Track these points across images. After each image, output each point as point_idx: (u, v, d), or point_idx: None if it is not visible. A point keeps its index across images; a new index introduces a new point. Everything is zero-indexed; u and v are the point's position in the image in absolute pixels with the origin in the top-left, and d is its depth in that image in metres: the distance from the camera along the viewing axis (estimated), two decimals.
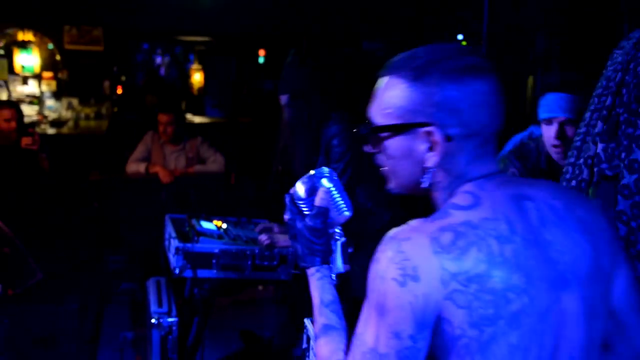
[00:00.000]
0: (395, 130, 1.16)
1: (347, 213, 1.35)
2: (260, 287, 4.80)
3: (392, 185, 1.24)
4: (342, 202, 1.34)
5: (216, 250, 3.06)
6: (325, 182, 1.35)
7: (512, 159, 2.61)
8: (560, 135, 2.35)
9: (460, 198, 1.11)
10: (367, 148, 1.25)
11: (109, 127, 6.84)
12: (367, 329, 1.10)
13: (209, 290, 3.19)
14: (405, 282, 1.04)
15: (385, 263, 1.06)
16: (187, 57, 10.02)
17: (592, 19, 4.35)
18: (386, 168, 1.23)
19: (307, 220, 1.33)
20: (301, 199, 1.35)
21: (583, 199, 1.24)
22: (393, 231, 1.10)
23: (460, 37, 5.56)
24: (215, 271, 3.07)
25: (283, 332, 3.74)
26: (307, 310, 3.06)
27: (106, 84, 7.70)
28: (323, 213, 1.33)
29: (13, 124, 4.18)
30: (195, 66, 9.65)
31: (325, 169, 1.37)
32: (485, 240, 1.05)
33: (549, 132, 2.38)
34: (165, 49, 10.17)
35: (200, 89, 9.46)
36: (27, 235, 3.85)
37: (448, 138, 1.12)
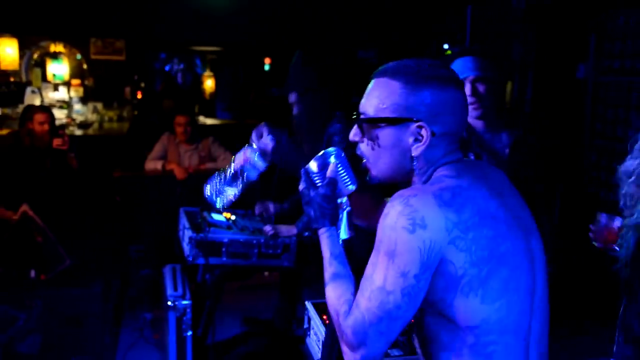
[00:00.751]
0: (390, 122, 1.24)
1: (351, 187, 1.39)
2: (266, 274, 4.79)
3: (373, 173, 1.31)
4: (347, 177, 1.39)
5: (225, 240, 3.05)
6: (332, 158, 1.40)
7: None
8: (473, 92, 2.32)
9: (446, 171, 1.23)
10: (354, 137, 1.32)
11: (130, 128, 6.81)
12: (376, 271, 1.16)
13: (219, 275, 3.18)
14: (414, 229, 1.12)
15: (396, 215, 1.14)
16: (200, 65, 9.98)
17: (561, 30, 4.33)
18: (370, 157, 1.29)
19: (319, 189, 1.38)
20: (314, 173, 1.40)
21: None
22: (399, 191, 1.18)
23: (445, 45, 5.52)
24: (224, 258, 3.07)
25: (281, 314, 3.73)
26: (310, 293, 3.04)
27: (127, 89, 7.67)
28: (332, 183, 1.38)
29: (46, 127, 4.16)
30: (207, 73, 9.61)
31: (332, 149, 1.40)
32: (475, 199, 1.18)
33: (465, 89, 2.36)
34: (180, 58, 10.13)
35: (211, 94, 9.42)
36: (57, 225, 3.84)
37: (432, 133, 1.23)
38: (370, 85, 1.30)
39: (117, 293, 4.14)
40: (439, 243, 1.13)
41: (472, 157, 2.45)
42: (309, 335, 2.38)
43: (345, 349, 1.21)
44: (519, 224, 1.23)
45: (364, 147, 1.30)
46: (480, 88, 2.33)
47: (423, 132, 1.22)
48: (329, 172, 1.39)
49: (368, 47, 6.68)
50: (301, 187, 1.41)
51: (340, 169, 1.38)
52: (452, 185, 1.18)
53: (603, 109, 4.24)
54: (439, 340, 1.21)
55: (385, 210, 1.17)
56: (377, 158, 1.28)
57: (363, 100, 1.30)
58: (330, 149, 1.40)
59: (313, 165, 1.40)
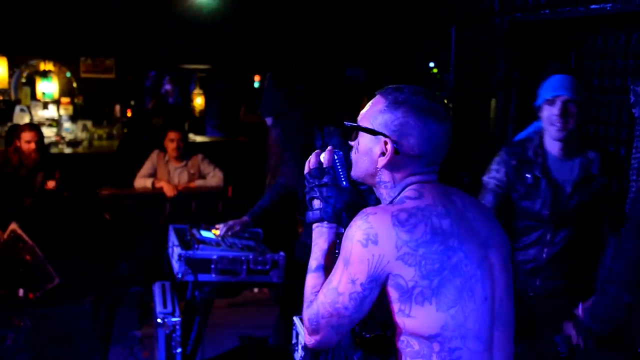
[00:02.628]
0: (366, 131, 1.41)
1: (344, 183, 1.52)
2: (255, 290, 4.81)
3: (353, 172, 1.49)
4: (342, 174, 1.53)
5: (214, 257, 3.08)
6: (335, 156, 1.54)
7: (503, 153, 2.57)
8: (563, 112, 2.32)
9: (409, 192, 1.37)
10: (350, 140, 1.50)
11: (119, 146, 6.83)
12: (335, 274, 1.34)
13: (209, 292, 3.21)
14: (367, 244, 1.28)
15: (355, 228, 1.30)
16: (190, 83, 10.04)
17: (543, 49, 4.43)
18: (353, 158, 1.48)
19: (324, 178, 1.50)
20: (315, 167, 1.53)
21: (480, 202, 1.54)
22: (366, 208, 1.34)
23: (432, 64, 5.62)
24: (214, 275, 3.09)
25: (280, 330, 3.75)
26: (297, 309, 3.08)
27: (117, 107, 7.72)
28: (330, 170, 1.51)
29: (32, 146, 4.20)
30: (197, 91, 9.65)
31: (331, 148, 1.55)
32: (430, 219, 1.31)
33: (551, 111, 2.35)
34: (170, 76, 10.18)
35: (201, 111, 9.47)
36: (46, 244, 3.86)
37: (396, 151, 1.37)
38: (372, 99, 1.47)
39: (106, 311, 4.14)
40: (387, 258, 1.27)
41: (529, 178, 2.47)
42: (297, 350, 2.41)
43: (304, 332, 1.39)
44: (475, 237, 1.35)
45: (353, 150, 1.49)
46: (571, 109, 2.33)
47: (388, 147, 1.37)
48: (325, 161, 1.52)
49: (356, 65, 6.78)
50: (309, 182, 1.53)
51: (338, 165, 1.53)
52: (410, 206, 1.32)
53: (584, 125, 4.33)
54: (410, 349, 1.33)
55: (351, 223, 1.33)
56: (356, 160, 1.47)
57: (362, 111, 1.47)
58: (331, 148, 1.55)
59: (322, 157, 1.54)
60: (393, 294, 1.29)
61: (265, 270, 3.16)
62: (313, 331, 1.36)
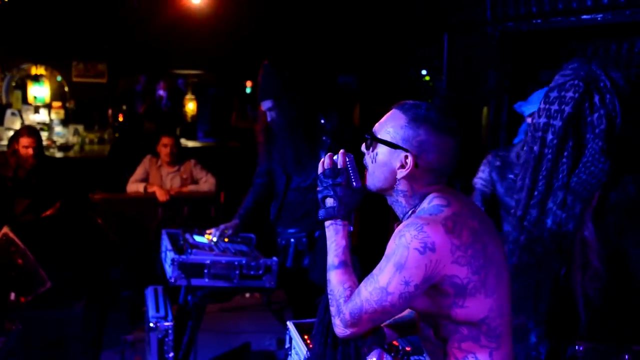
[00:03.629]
0: (388, 145, 1.53)
1: (355, 184, 1.61)
2: (247, 295, 4.82)
3: (368, 182, 1.60)
4: (352, 175, 1.61)
5: (207, 261, 3.09)
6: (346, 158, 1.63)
7: (490, 156, 2.77)
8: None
9: (438, 201, 1.50)
10: (363, 149, 1.60)
11: (111, 151, 6.83)
12: (382, 274, 1.45)
13: (202, 297, 3.22)
14: (425, 251, 1.41)
15: (410, 237, 1.42)
16: (182, 88, 10.04)
17: (534, 57, 4.49)
18: (369, 169, 1.58)
19: (338, 178, 1.61)
20: (329, 167, 1.61)
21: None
22: (413, 218, 1.47)
23: (424, 72, 5.67)
24: (206, 280, 3.10)
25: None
26: (291, 314, 3.09)
27: (109, 112, 7.71)
28: (344, 171, 1.62)
29: (30, 151, 4.23)
30: (189, 96, 9.67)
31: (344, 151, 1.64)
32: (466, 223, 1.47)
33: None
34: (163, 81, 10.19)
35: (193, 117, 9.48)
36: (38, 248, 3.85)
37: (416, 165, 1.50)
38: (388, 113, 1.58)
39: (98, 315, 4.14)
40: (442, 262, 1.42)
41: (510, 179, 2.65)
42: (290, 354, 2.43)
43: (338, 323, 1.51)
44: (492, 230, 1.55)
45: (368, 160, 1.59)
46: None
47: (408, 161, 1.50)
48: (339, 163, 1.62)
49: (348, 72, 6.82)
50: (318, 188, 1.63)
51: (349, 166, 1.61)
52: (450, 214, 1.47)
53: None
54: (459, 335, 1.50)
55: (401, 232, 1.44)
56: (373, 171, 1.57)
57: (378, 123, 1.58)
58: (348, 153, 1.64)
59: (327, 161, 1.63)
60: (450, 290, 1.45)
61: (258, 276, 3.17)
62: (353, 324, 1.49)
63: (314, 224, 3.31)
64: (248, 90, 9.46)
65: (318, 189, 1.64)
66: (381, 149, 1.54)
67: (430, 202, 1.51)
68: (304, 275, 3.34)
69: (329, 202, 1.61)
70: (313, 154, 3.23)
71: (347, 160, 1.61)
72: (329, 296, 1.56)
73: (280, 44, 6.54)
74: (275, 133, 3.26)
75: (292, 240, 3.33)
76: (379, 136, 1.55)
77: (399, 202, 1.57)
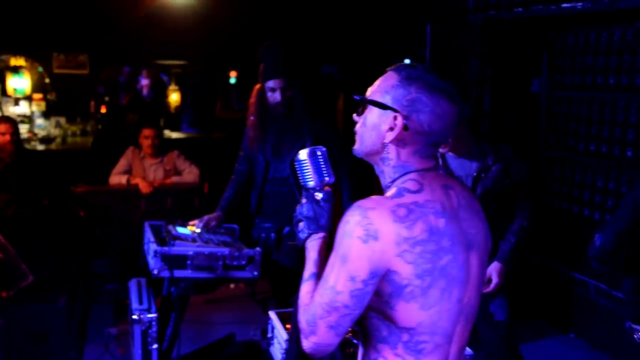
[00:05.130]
0: (376, 105, 1.39)
1: (328, 178, 1.54)
2: (231, 286, 4.83)
3: (357, 147, 1.47)
4: (326, 169, 1.54)
5: (190, 253, 3.09)
6: (318, 152, 1.54)
7: None
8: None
9: (409, 184, 1.34)
10: (355, 115, 1.47)
11: (93, 143, 6.79)
12: (331, 272, 1.30)
13: (185, 288, 3.22)
14: (367, 240, 1.26)
15: (354, 224, 1.27)
16: (165, 79, 9.99)
17: (516, 46, 4.52)
18: (358, 133, 1.45)
19: (311, 190, 1.52)
20: (301, 161, 1.53)
21: (474, 197, 1.51)
22: (360, 201, 1.31)
23: (407, 61, 5.68)
24: (190, 271, 3.10)
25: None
26: (273, 304, 3.11)
27: (91, 103, 7.65)
28: (305, 189, 1.53)
29: (7, 137, 4.20)
30: (172, 87, 9.62)
31: (320, 147, 1.56)
32: (427, 216, 1.30)
33: None
34: (145, 71, 10.12)
35: (176, 108, 9.44)
36: (19, 241, 3.83)
37: (405, 127, 1.36)
38: (382, 75, 1.45)
39: (81, 309, 4.13)
40: (387, 255, 1.26)
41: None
42: (273, 344, 2.46)
43: (301, 337, 1.35)
44: (463, 239, 1.36)
45: (358, 124, 1.46)
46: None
47: (397, 121, 1.35)
48: (302, 155, 1.53)
49: (332, 62, 6.82)
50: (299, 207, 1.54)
51: (321, 161, 1.53)
52: (409, 201, 1.30)
53: (556, 122, 4.43)
54: (378, 333, 1.35)
55: (346, 218, 1.29)
56: (361, 135, 1.44)
57: (371, 86, 1.45)
58: (319, 146, 1.56)
59: (303, 154, 1.54)
60: (386, 288, 1.29)
61: (242, 266, 3.17)
62: (310, 333, 1.32)
63: (284, 221, 3.33)
64: (232, 81, 9.43)
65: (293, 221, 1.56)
66: (371, 112, 1.40)
67: (403, 182, 1.36)
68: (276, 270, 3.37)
69: (300, 226, 1.52)
70: (292, 145, 3.24)
71: (320, 154, 1.53)
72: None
73: (265, 34, 6.52)
74: (272, 116, 3.25)
75: (262, 235, 3.37)
76: (367, 96, 1.42)
77: (383, 173, 1.42)
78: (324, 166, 1.54)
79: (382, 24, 5.89)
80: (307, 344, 1.34)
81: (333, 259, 1.31)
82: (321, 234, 1.48)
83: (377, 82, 1.43)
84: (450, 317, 1.35)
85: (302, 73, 3.22)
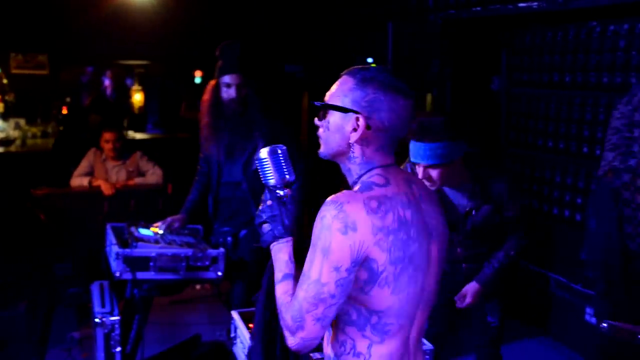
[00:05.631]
0: (338, 109, 1.48)
1: (288, 176, 1.58)
2: (197, 287, 4.81)
3: (322, 150, 1.55)
4: (286, 168, 1.58)
5: (153, 254, 3.07)
6: (279, 150, 1.57)
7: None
8: (425, 176, 2.50)
9: (375, 179, 1.44)
10: (316, 120, 1.55)
11: (55, 144, 6.66)
12: (312, 267, 1.38)
13: (148, 290, 3.20)
14: (347, 231, 1.35)
15: (331, 218, 1.36)
16: (128, 80, 9.86)
17: (476, 45, 4.60)
18: (322, 137, 1.53)
19: (274, 192, 1.57)
20: (262, 159, 1.57)
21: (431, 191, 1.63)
22: (333, 196, 1.39)
23: (370, 59, 5.73)
24: (153, 273, 3.08)
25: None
26: (235, 304, 3.11)
27: (52, 104, 7.51)
28: (269, 189, 1.58)
29: None
30: (135, 87, 9.50)
31: (280, 145, 1.60)
32: (396, 207, 1.41)
33: (418, 172, 2.53)
34: (108, 71, 9.97)
35: (140, 108, 9.32)
36: None
37: (368, 127, 1.45)
38: (338, 80, 1.53)
39: (43, 313, 4.07)
40: (366, 243, 1.36)
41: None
42: (236, 343, 2.47)
43: (287, 334, 1.42)
44: (425, 229, 1.47)
45: (321, 129, 1.54)
46: (432, 173, 2.49)
47: (360, 122, 1.45)
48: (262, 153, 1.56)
49: (295, 61, 6.83)
50: (261, 211, 1.58)
51: (282, 159, 1.57)
52: (379, 194, 1.40)
53: (516, 119, 4.52)
54: (347, 317, 1.45)
55: (322, 213, 1.38)
56: (327, 138, 1.52)
57: (328, 91, 1.54)
58: (279, 145, 1.59)
59: (264, 153, 1.57)
60: (362, 275, 1.38)
61: (205, 267, 3.17)
62: (298, 328, 1.38)
63: (240, 225, 3.34)
64: (197, 80, 9.35)
65: (255, 220, 1.61)
66: (333, 116, 1.49)
67: (370, 177, 1.46)
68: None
69: (265, 227, 1.57)
70: (244, 147, 3.24)
71: (280, 152, 1.57)
72: (278, 312, 1.47)
73: (228, 33, 6.49)
74: (226, 115, 3.23)
75: (220, 240, 3.37)
76: (327, 102, 1.51)
77: (350, 171, 1.51)
78: (284, 164, 1.57)
79: (344, 23, 5.93)
80: (293, 340, 1.40)
81: (312, 255, 1.39)
82: (288, 238, 1.54)
83: (334, 87, 1.52)
84: (414, 302, 1.46)
85: (259, 72, 3.22)
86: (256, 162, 1.60)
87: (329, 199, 1.39)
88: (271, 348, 1.66)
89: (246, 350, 2.22)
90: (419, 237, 1.44)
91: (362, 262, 1.37)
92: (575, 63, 3.95)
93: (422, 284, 1.48)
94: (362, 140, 1.46)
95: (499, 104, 4.65)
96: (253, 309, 2.51)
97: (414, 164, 2.54)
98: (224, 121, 3.24)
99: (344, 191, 1.42)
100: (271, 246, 1.55)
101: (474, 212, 2.66)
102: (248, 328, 2.35)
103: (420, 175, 2.51)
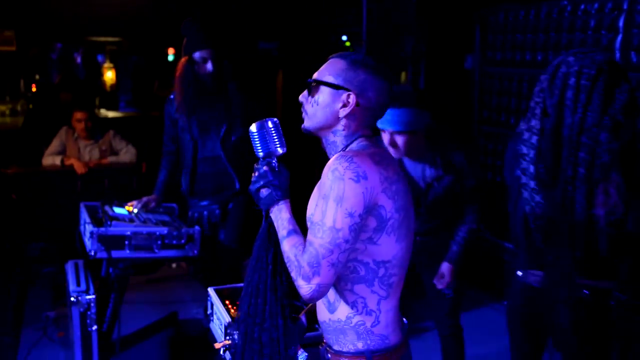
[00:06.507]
0: (330, 86, 1.60)
1: (280, 149, 1.64)
2: (173, 265, 4.82)
3: (307, 124, 1.65)
4: (278, 140, 1.64)
5: (128, 233, 3.07)
6: (270, 123, 1.63)
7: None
8: (390, 142, 2.62)
9: (364, 143, 1.59)
10: (302, 98, 1.66)
11: (24, 123, 6.54)
12: (325, 216, 1.48)
13: (123, 269, 3.20)
14: (359, 180, 1.47)
15: (343, 169, 1.48)
16: (98, 57, 9.68)
17: (449, 23, 4.62)
18: (309, 112, 1.64)
19: (266, 164, 1.63)
20: (253, 133, 1.63)
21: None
22: (340, 153, 1.53)
23: (344, 37, 5.73)
24: (128, 251, 3.08)
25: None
26: (213, 281, 3.13)
27: (21, 82, 7.37)
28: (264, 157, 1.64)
29: None
30: (107, 64, 9.35)
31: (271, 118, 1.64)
32: (391, 162, 1.58)
33: (384, 138, 2.65)
34: (78, 48, 9.78)
35: (112, 86, 9.19)
36: None
37: (357, 104, 1.59)
38: (326, 62, 1.66)
39: (17, 293, 4.04)
40: (376, 190, 1.49)
41: None
42: (212, 320, 2.49)
43: (301, 282, 1.49)
44: (408, 185, 1.64)
45: (307, 106, 1.64)
46: (398, 140, 2.59)
47: (350, 99, 1.58)
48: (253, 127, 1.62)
49: (269, 39, 6.78)
50: (254, 180, 1.64)
51: (273, 132, 1.63)
52: (376, 151, 1.57)
53: (489, 97, 4.57)
54: (356, 275, 1.55)
55: (332, 167, 1.49)
56: (314, 113, 1.62)
57: (317, 71, 1.65)
58: (271, 118, 1.64)
59: (253, 127, 1.64)
60: (371, 222, 1.50)
61: (181, 245, 3.17)
62: (314, 274, 1.47)
63: (228, 197, 3.36)
64: (170, 58, 9.24)
65: (250, 187, 1.65)
66: (323, 92, 1.61)
67: (358, 144, 1.60)
68: (221, 247, 3.39)
69: (263, 192, 1.62)
70: (220, 122, 3.26)
71: (272, 125, 1.63)
72: (287, 265, 1.55)
73: (200, 9, 6.41)
74: (198, 91, 3.22)
75: (205, 212, 3.38)
76: (319, 79, 1.62)
77: (334, 142, 1.63)
78: (276, 137, 1.63)
79: (319, 0, 5.90)
80: (309, 287, 1.47)
81: (323, 206, 1.48)
82: (286, 199, 1.62)
83: (324, 67, 1.64)
84: (409, 253, 1.61)
85: (229, 47, 3.25)
86: (249, 135, 1.64)
87: (337, 155, 1.53)
88: (260, 313, 1.69)
89: (223, 327, 2.24)
90: (407, 191, 1.59)
91: (371, 209, 1.49)
92: (547, 42, 3.99)
93: (412, 234, 1.61)
94: (349, 116, 1.59)
95: (472, 83, 4.70)
96: (229, 285, 2.54)
97: (381, 130, 2.63)
98: (199, 97, 3.23)
99: (348, 151, 1.55)
100: (271, 208, 1.62)
101: (435, 184, 2.74)
102: (225, 304, 2.37)
103: (386, 142, 2.62)
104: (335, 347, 1.62)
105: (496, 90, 4.48)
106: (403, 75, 4.79)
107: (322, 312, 1.64)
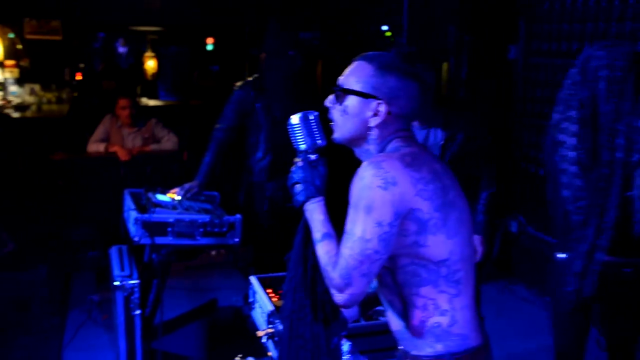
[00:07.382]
0: (359, 95, 1.52)
1: (320, 142, 1.60)
2: (212, 252, 4.86)
3: (337, 135, 1.58)
4: (318, 133, 1.60)
5: (171, 220, 3.10)
6: (311, 116, 1.60)
7: None
8: None
9: (398, 143, 1.52)
10: (328, 103, 1.58)
11: (69, 110, 6.68)
12: (355, 225, 1.43)
13: (166, 255, 3.24)
14: (387, 187, 1.40)
15: (370, 177, 1.41)
16: (142, 46, 9.82)
17: (493, 13, 4.53)
18: (338, 122, 1.57)
19: (308, 157, 1.59)
20: (294, 125, 1.60)
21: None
22: (368, 160, 1.46)
23: (385, 27, 5.67)
24: (170, 238, 3.12)
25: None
26: (254, 269, 3.15)
27: (66, 70, 7.52)
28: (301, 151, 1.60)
29: None
30: (148, 54, 9.47)
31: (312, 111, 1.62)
32: (427, 161, 1.49)
33: None
34: (121, 38, 9.94)
35: (153, 75, 9.31)
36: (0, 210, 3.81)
37: (389, 112, 1.51)
38: (351, 65, 1.57)
39: (63, 276, 4.14)
40: (407, 195, 1.41)
41: None
42: (254, 308, 2.51)
43: (334, 292, 1.47)
44: (455, 181, 1.55)
45: (335, 113, 1.57)
46: None
47: (381, 108, 1.51)
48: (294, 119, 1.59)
49: (309, 29, 6.76)
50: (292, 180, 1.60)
51: (314, 125, 1.60)
52: (409, 151, 1.48)
53: (532, 88, 4.48)
54: (418, 278, 1.49)
55: (360, 175, 1.43)
56: (343, 123, 1.55)
57: (343, 75, 1.57)
58: (311, 111, 1.62)
59: (295, 119, 1.60)
60: (411, 227, 1.44)
61: (222, 233, 3.19)
62: (346, 286, 1.43)
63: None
64: (209, 48, 9.31)
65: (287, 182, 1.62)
66: (351, 100, 1.53)
67: (394, 144, 1.52)
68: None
69: (297, 188, 1.59)
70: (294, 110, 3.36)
71: (312, 118, 1.59)
72: (322, 271, 1.52)
73: (241, 1, 6.44)
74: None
75: (279, 193, 3.56)
76: (349, 87, 1.54)
77: (369, 151, 1.56)
78: (316, 130, 1.60)
79: None
80: (342, 297, 1.45)
81: (354, 215, 1.43)
82: (320, 197, 1.57)
83: (349, 72, 1.55)
84: (467, 243, 1.53)
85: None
86: (288, 128, 1.61)
87: (364, 162, 1.46)
88: (301, 308, 1.69)
89: (265, 315, 2.26)
90: (453, 185, 1.52)
91: (405, 215, 1.42)
92: (595, 31, 3.88)
93: (468, 226, 1.54)
94: (382, 125, 1.52)
95: (516, 74, 4.60)
96: (272, 274, 2.55)
97: None
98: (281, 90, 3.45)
99: (377, 155, 1.50)
100: (304, 206, 1.58)
101: (450, 143, 2.76)
102: (267, 293, 2.38)
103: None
104: (414, 352, 1.55)
105: (540, 81, 4.38)
106: (445, 66, 4.72)
107: (394, 322, 1.59)
